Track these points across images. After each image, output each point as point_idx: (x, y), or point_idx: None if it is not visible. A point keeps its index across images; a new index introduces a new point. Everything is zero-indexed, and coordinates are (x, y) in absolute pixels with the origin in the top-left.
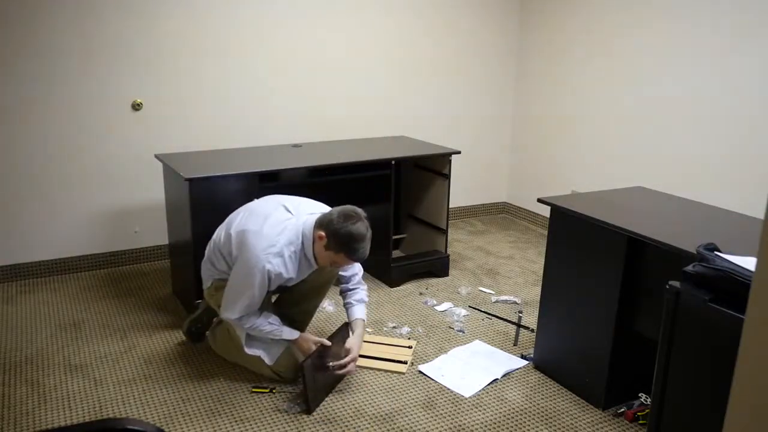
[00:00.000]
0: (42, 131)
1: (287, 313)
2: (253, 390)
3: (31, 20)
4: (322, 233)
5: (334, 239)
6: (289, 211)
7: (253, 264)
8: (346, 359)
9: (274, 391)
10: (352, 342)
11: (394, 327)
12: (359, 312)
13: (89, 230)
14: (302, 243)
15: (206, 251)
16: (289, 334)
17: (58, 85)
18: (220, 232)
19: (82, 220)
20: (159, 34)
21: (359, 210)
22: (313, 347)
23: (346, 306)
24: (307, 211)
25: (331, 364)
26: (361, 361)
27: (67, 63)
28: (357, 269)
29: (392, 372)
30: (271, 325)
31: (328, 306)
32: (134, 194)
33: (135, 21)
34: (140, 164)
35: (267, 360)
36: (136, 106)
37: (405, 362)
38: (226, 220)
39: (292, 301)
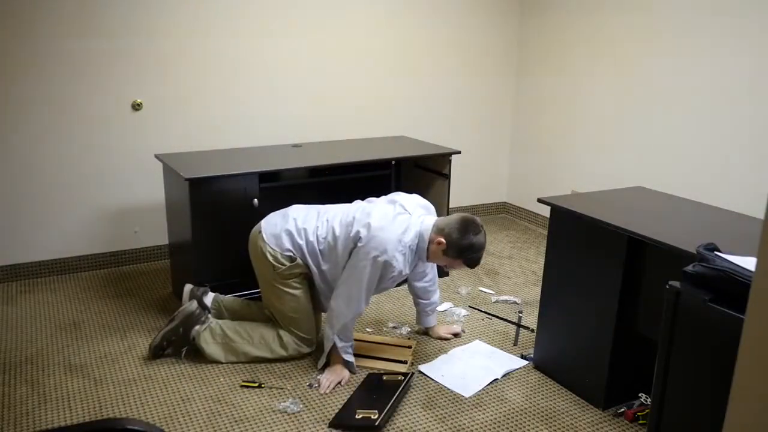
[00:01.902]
0: (42, 131)
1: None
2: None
3: (31, 20)
4: (443, 240)
5: (455, 248)
6: (406, 210)
7: (380, 258)
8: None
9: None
10: (446, 328)
11: (394, 327)
12: (434, 320)
13: (89, 230)
14: (418, 244)
15: (305, 232)
16: (349, 353)
17: (58, 86)
18: (330, 222)
19: (82, 220)
20: (159, 35)
21: (478, 219)
22: (345, 377)
23: (424, 314)
24: (418, 205)
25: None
26: (362, 361)
27: (67, 63)
28: (433, 274)
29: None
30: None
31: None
32: (134, 194)
33: (135, 21)
34: (140, 164)
35: (320, 362)
36: (136, 106)
37: (405, 362)
38: (328, 210)
39: None
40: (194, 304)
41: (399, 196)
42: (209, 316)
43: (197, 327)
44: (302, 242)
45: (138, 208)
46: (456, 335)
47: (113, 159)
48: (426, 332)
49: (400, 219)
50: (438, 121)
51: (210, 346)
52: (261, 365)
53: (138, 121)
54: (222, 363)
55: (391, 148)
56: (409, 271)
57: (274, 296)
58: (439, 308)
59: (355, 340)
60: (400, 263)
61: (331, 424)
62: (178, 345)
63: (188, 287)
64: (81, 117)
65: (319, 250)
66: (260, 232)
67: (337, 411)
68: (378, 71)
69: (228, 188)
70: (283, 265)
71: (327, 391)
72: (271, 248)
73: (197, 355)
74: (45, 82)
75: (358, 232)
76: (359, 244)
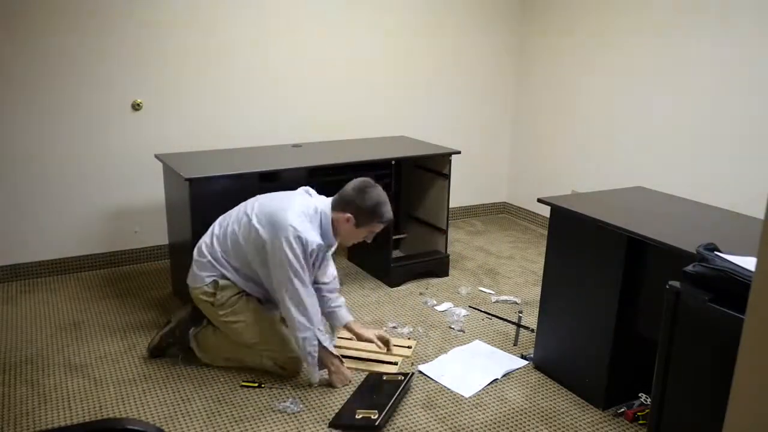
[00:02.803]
0: (42, 131)
1: None
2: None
3: (31, 20)
4: (348, 215)
5: (365, 213)
6: (309, 193)
7: (291, 236)
8: (380, 342)
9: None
10: (368, 333)
11: (394, 327)
12: (348, 315)
13: (89, 230)
14: (321, 220)
15: (203, 250)
16: (329, 343)
17: (58, 86)
18: (228, 225)
19: (82, 220)
20: (159, 34)
21: (368, 179)
22: (346, 382)
23: (333, 310)
24: (315, 195)
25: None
26: (351, 363)
27: (67, 63)
28: (334, 269)
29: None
30: (321, 327)
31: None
32: (134, 194)
33: (135, 21)
34: (140, 164)
35: (313, 378)
36: (136, 106)
37: (395, 363)
38: (230, 215)
39: None
40: (189, 306)
41: (299, 190)
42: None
43: (193, 329)
44: (206, 258)
45: (138, 208)
46: (385, 343)
47: (113, 159)
48: (348, 329)
49: (293, 197)
50: (438, 121)
51: (203, 349)
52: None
53: (138, 121)
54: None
55: (391, 148)
56: (327, 247)
57: (231, 334)
58: (439, 308)
59: (354, 349)
60: (312, 235)
61: (331, 424)
62: (178, 346)
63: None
64: (81, 117)
65: (222, 251)
66: (189, 286)
67: (337, 411)
68: (378, 71)
69: (228, 188)
70: (213, 295)
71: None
72: (197, 287)
73: (196, 356)
74: (45, 82)
75: (251, 223)
76: (264, 236)
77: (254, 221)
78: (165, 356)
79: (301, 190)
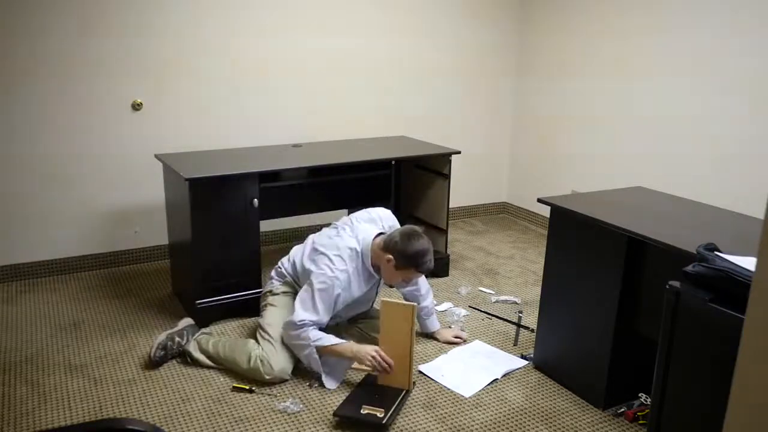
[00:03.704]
0: (41, 131)
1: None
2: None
3: (31, 20)
4: (390, 256)
5: (402, 259)
6: (352, 234)
7: (322, 280)
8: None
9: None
10: (451, 331)
11: None
12: (435, 323)
13: (89, 230)
14: (362, 260)
15: (280, 269)
16: (332, 339)
17: (58, 86)
18: (296, 255)
19: (82, 220)
20: (159, 35)
21: (418, 228)
22: (373, 353)
23: (420, 319)
24: (367, 229)
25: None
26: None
27: (67, 63)
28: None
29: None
30: (316, 333)
31: None
32: (134, 194)
33: (135, 21)
34: (140, 164)
35: (329, 383)
36: (136, 106)
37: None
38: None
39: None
40: (187, 320)
41: (354, 216)
42: (201, 330)
43: (187, 338)
44: (281, 269)
45: (138, 208)
46: (463, 340)
47: (113, 159)
48: (432, 337)
49: (341, 240)
50: (438, 121)
51: (197, 352)
52: None
53: (138, 121)
54: (212, 367)
55: (391, 148)
56: (363, 294)
57: (261, 316)
58: (439, 308)
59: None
60: (343, 282)
61: (336, 414)
62: (175, 353)
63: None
64: (81, 117)
65: (291, 273)
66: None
67: (340, 403)
68: (378, 71)
69: (228, 188)
70: (270, 293)
71: (385, 363)
72: (268, 290)
73: (192, 358)
74: (45, 82)
75: (306, 253)
76: (307, 266)
77: (306, 258)
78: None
79: (346, 220)
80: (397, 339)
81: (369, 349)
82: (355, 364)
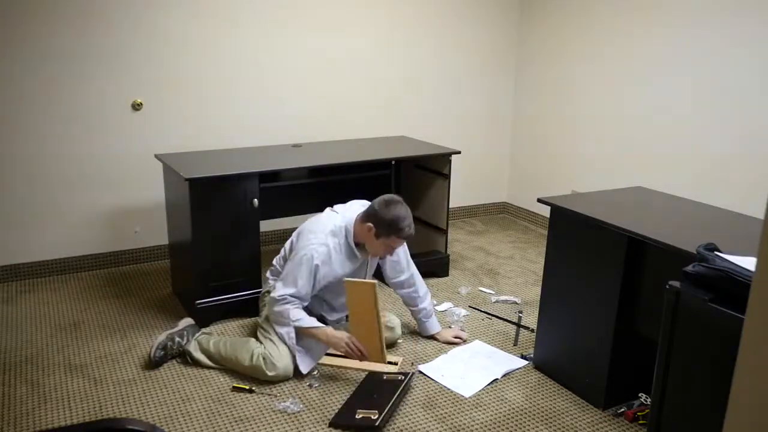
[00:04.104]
0: (42, 131)
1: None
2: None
3: (31, 20)
4: (370, 225)
5: (381, 226)
6: (336, 212)
7: (302, 254)
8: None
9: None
10: (451, 332)
11: (393, 327)
12: (435, 325)
13: (89, 230)
14: (345, 235)
15: (274, 263)
16: (311, 321)
17: (58, 86)
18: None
19: (82, 220)
20: (159, 34)
21: (396, 196)
22: (347, 340)
23: (420, 322)
24: (354, 209)
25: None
26: (352, 363)
27: (67, 63)
28: (413, 271)
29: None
30: (295, 311)
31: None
32: (134, 194)
33: (135, 21)
34: (140, 164)
35: (302, 365)
36: (136, 106)
37: (395, 363)
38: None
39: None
40: (187, 320)
41: (344, 205)
42: (202, 330)
43: (187, 338)
44: (274, 267)
45: (138, 208)
46: (462, 340)
47: (113, 159)
48: (433, 338)
49: (324, 218)
50: (438, 121)
51: (197, 352)
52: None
53: (138, 121)
54: (212, 367)
55: (391, 148)
56: (345, 270)
57: (264, 308)
58: (439, 308)
59: (341, 356)
60: (322, 254)
61: (331, 424)
62: (180, 346)
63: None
64: (81, 117)
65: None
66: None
67: (336, 411)
68: (378, 71)
69: (228, 188)
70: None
71: (357, 351)
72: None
73: (192, 358)
74: (45, 81)
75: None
76: (295, 245)
77: (295, 242)
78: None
79: (327, 210)
80: (364, 318)
81: (343, 336)
82: (331, 350)
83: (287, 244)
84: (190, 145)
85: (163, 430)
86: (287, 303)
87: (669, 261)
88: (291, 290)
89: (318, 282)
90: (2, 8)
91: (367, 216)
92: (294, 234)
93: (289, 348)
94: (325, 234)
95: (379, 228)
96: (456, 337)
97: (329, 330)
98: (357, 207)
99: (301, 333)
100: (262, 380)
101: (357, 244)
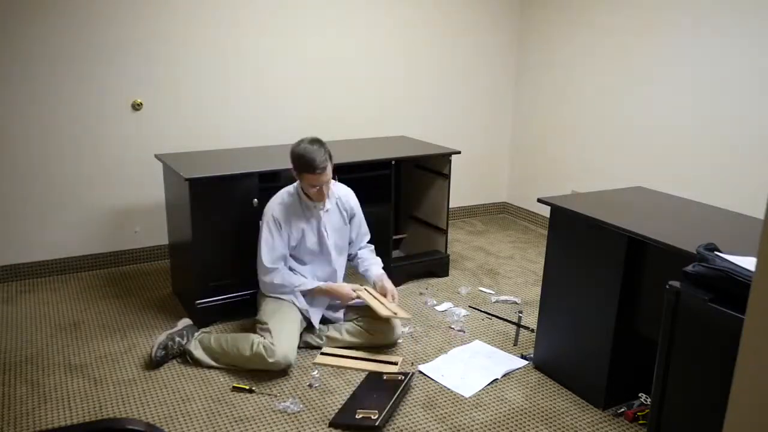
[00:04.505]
0: (42, 131)
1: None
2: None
3: (31, 20)
4: (292, 166)
5: (295, 164)
6: None
7: (264, 218)
8: (389, 296)
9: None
10: (386, 285)
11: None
12: (378, 269)
13: (89, 230)
14: (297, 192)
15: None
16: (312, 283)
17: (58, 85)
18: None
19: (82, 220)
20: (160, 35)
21: (313, 136)
22: (352, 293)
23: (366, 269)
24: None
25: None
26: (352, 363)
27: (67, 63)
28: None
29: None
30: (295, 277)
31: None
32: (134, 194)
33: (135, 21)
34: (140, 164)
35: (315, 321)
36: (136, 106)
37: (395, 363)
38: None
39: None
40: (186, 321)
41: None
42: (201, 330)
43: (187, 338)
44: None
45: (138, 208)
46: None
47: (113, 159)
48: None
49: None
50: (438, 121)
51: (198, 351)
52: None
53: (138, 121)
54: (212, 367)
55: (391, 148)
56: (307, 221)
57: (261, 303)
58: (439, 308)
59: (341, 355)
60: (277, 210)
61: (331, 424)
62: (179, 347)
63: (187, 321)
64: (81, 117)
65: None
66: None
67: (337, 411)
68: (378, 71)
69: (228, 188)
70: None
71: (353, 296)
72: None
73: (193, 357)
74: (44, 81)
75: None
76: None
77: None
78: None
79: None
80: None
81: (345, 285)
82: (329, 349)
83: None
84: (190, 145)
85: (163, 430)
86: (276, 271)
87: (669, 261)
88: (271, 255)
89: (290, 242)
90: (2, 8)
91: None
92: None
93: (300, 314)
94: (280, 195)
95: (295, 166)
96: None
97: (332, 284)
98: None
99: (308, 295)
100: (263, 370)
101: (307, 196)
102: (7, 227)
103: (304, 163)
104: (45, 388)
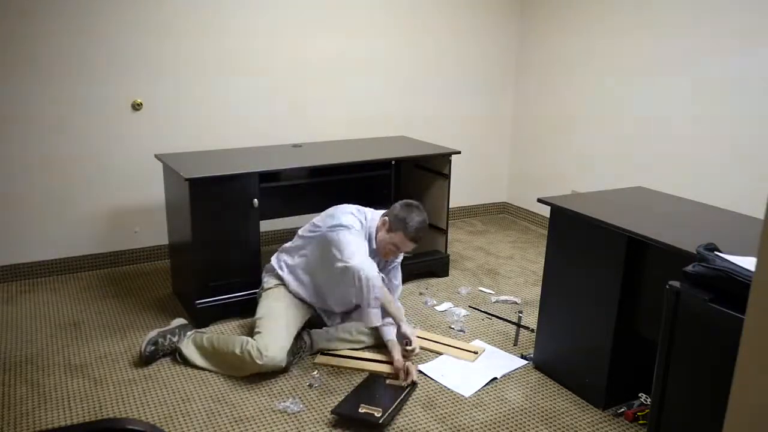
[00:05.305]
0: (42, 131)
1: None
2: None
3: (31, 20)
4: (386, 219)
5: (394, 221)
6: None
7: (348, 227)
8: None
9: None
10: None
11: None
12: (390, 333)
13: (89, 230)
14: (368, 232)
15: (271, 260)
16: (388, 327)
17: (58, 85)
18: (294, 239)
19: (82, 220)
20: (160, 35)
21: (418, 203)
22: (400, 365)
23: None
24: (377, 215)
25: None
26: (349, 363)
27: (67, 63)
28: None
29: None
30: (381, 295)
31: None
32: (134, 194)
33: (135, 21)
34: (140, 164)
35: (375, 319)
36: (136, 106)
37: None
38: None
39: None
40: (180, 320)
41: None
42: (196, 330)
43: (179, 337)
44: (269, 264)
45: (138, 208)
46: (412, 349)
47: (113, 159)
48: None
49: (351, 209)
50: (438, 121)
51: (189, 349)
52: None
53: (138, 121)
54: (201, 367)
55: (391, 148)
56: (375, 254)
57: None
58: (439, 308)
59: (342, 356)
60: (357, 226)
61: (334, 411)
62: (171, 345)
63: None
64: (81, 117)
65: (283, 259)
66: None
67: (339, 401)
68: (378, 71)
69: (228, 188)
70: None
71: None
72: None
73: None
74: (44, 81)
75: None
76: (322, 228)
77: (314, 225)
78: (164, 356)
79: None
80: None
81: (399, 359)
82: (332, 350)
83: (287, 245)
84: (190, 145)
85: (163, 430)
86: (374, 269)
87: (669, 261)
88: (370, 260)
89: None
90: (2, 8)
91: (386, 213)
92: (317, 219)
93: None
94: (350, 219)
95: (393, 222)
96: (406, 351)
97: (395, 342)
98: (374, 213)
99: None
100: (252, 372)
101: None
102: (7, 227)
103: (411, 232)
104: (45, 388)
